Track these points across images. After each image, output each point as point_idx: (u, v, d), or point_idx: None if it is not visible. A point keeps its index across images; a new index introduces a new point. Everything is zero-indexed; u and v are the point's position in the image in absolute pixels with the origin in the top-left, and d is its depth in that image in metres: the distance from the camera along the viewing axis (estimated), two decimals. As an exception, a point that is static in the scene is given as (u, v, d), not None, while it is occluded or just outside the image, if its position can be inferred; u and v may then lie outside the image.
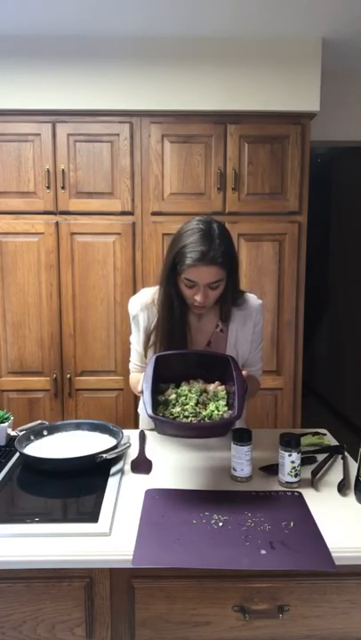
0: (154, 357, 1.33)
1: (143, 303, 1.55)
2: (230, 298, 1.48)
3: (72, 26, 2.32)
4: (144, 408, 1.23)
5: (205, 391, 1.34)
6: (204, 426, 1.25)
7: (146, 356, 1.56)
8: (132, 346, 1.65)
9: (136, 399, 2.59)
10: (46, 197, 2.48)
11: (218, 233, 1.35)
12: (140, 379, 1.47)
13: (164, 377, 1.34)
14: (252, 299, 1.57)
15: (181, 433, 1.32)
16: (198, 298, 1.37)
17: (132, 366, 1.68)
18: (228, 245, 1.37)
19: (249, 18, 2.25)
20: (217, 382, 1.36)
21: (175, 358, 1.39)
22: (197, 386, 1.34)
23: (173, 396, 1.31)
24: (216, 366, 1.37)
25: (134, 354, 1.64)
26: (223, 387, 1.35)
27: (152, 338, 1.51)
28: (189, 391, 1.32)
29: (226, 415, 1.27)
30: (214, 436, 1.45)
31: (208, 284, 1.37)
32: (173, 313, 1.46)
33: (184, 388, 1.33)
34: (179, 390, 1.33)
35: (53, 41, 2.39)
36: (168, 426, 1.25)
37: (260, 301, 1.58)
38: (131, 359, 1.67)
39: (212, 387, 1.35)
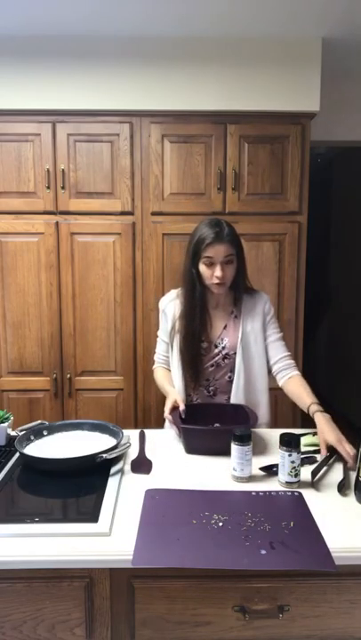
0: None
1: (170, 298, 1.87)
2: (240, 284, 1.77)
3: (72, 26, 2.32)
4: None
5: None
6: (226, 429, 1.48)
7: (172, 345, 1.81)
8: (158, 338, 1.92)
9: (137, 399, 2.60)
10: (46, 197, 2.48)
11: (225, 224, 1.71)
12: (163, 375, 1.86)
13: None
14: (261, 291, 1.89)
15: (208, 441, 1.54)
16: (217, 272, 1.66)
17: (156, 357, 1.94)
18: (234, 232, 1.71)
19: (249, 18, 2.25)
20: None
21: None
22: None
23: None
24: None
25: (160, 344, 1.91)
26: None
27: (177, 326, 1.79)
28: None
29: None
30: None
31: (223, 259, 1.67)
32: (195, 291, 1.74)
33: None
34: None
35: (53, 41, 2.39)
36: (196, 433, 1.53)
37: (266, 295, 1.89)
38: (156, 350, 1.94)
39: None
